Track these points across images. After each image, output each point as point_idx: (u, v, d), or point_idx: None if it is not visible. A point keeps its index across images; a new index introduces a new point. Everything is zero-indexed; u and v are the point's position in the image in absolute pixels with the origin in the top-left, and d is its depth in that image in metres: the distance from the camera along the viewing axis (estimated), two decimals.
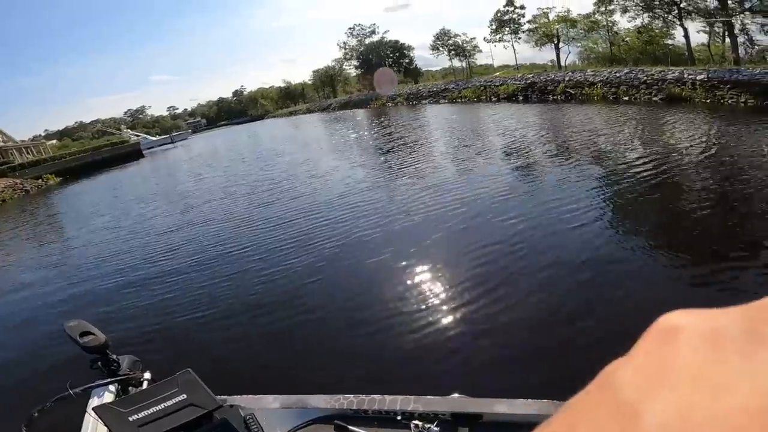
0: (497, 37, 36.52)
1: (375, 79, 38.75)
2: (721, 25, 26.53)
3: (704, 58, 26.56)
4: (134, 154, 38.10)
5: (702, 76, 19.96)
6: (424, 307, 3.99)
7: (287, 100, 62.24)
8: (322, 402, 1.59)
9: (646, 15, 28.41)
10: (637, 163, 8.17)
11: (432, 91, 30.14)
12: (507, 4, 35.09)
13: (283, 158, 16.64)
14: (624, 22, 30.61)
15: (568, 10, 32.69)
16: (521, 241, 4.95)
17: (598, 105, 20.02)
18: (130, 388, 1.43)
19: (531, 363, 3.08)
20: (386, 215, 6.73)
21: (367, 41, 44.22)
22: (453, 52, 40.32)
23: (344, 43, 45.99)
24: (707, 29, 28.26)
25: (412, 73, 43.69)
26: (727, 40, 26.69)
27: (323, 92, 53.64)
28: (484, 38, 37.66)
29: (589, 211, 5.66)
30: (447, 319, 3.77)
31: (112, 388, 1.39)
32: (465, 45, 39.71)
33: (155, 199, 13.42)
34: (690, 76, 20.37)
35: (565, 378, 2.98)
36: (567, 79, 24.45)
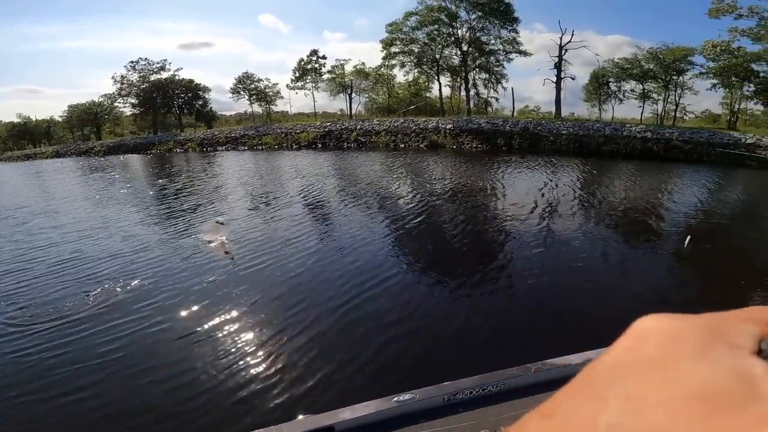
0: (299, 84, 38.76)
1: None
2: (459, 79, 35.47)
3: (448, 109, 34.71)
4: None
5: (450, 126, 25.83)
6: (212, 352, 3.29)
7: (22, 139, 45.89)
8: None
9: (416, 70, 35.31)
10: (407, 197, 10.25)
11: (230, 137, 28.54)
12: (311, 54, 37.80)
13: None
14: (400, 76, 37.26)
15: (363, 63, 37.62)
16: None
17: (383, 151, 23.22)
18: None
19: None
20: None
21: (153, 77, 38.80)
22: (254, 96, 40.34)
23: (122, 77, 38.88)
24: (451, 83, 37.29)
25: (205, 116, 40.65)
26: (463, 92, 35.88)
27: (81, 133, 43.03)
28: (287, 85, 39.35)
29: (366, 236, 6.20)
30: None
31: None
32: (267, 90, 40.41)
33: None
34: (442, 126, 26.06)
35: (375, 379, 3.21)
36: (358, 128, 27.60)
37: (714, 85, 29.34)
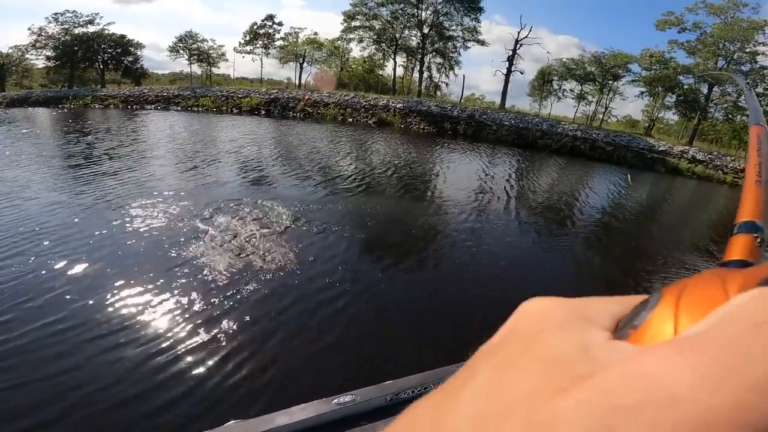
0: (248, 48, 36.19)
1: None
2: (414, 61, 35.31)
3: (399, 89, 34.60)
4: None
5: (400, 105, 25.72)
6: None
7: None
8: None
9: (374, 47, 34.45)
10: (348, 171, 10.08)
11: (161, 95, 25.87)
12: (266, 19, 35.22)
13: None
14: (356, 51, 36.18)
15: (316, 33, 35.82)
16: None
17: (330, 124, 22.56)
18: None
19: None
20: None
21: (77, 30, 33.96)
22: (195, 56, 37.16)
23: (40, 29, 33.59)
24: (405, 64, 37.02)
25: (133, 73, 36.76)
26: (416, 74, 35.87)
27: None
28: (234, 48, 36.62)
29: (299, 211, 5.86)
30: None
31: None
32: (211, 51, 37.41)
33: None
34: (393, 104, 25.88)
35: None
36: (307, 98, 26.47)
37: (642, 93, 32.20)
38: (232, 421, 1.45)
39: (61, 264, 4.29)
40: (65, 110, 21.89)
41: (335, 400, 1.58)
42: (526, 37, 31.51)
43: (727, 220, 11.50)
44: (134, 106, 24.48)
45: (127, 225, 5.50)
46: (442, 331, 3.82)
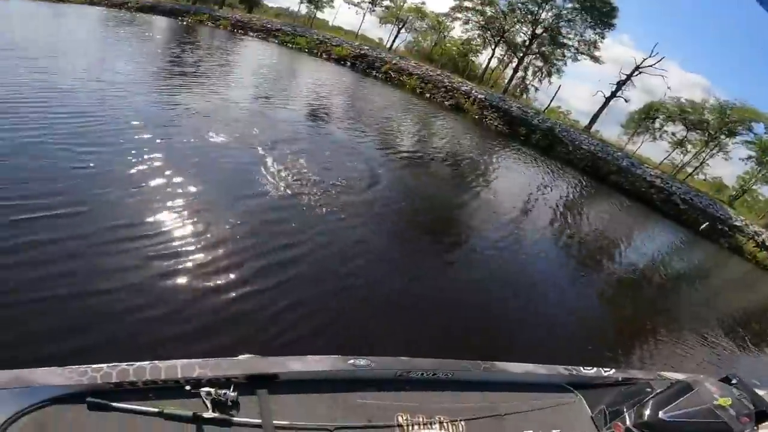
0: (357, 0, 36.61)
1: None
2: (513, 57, 33.74)
3: (486, 80, 33.38)
4: None
5: (482, 96, 25.07)
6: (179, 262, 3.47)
7: None
8: (59, 377, 1.20)
9: (478, 32, 33.36)
10: (404, 142, 10.41)
11: (265, 26, 27.23)
12: None
13: None
14: (457, 31, 35.23)
15: (424, 2, 35.31)
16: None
17: (407, 93, 22.69)
18: None
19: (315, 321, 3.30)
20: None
21: None
22: None
23: None
24: (501, 57, 35.49)
25: (247, 0, 38.93)
26: (508, 70, 34.35)
27: None
28: None
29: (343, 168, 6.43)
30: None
31: None
32: None
33: None
34: (475, 93, 25.29)
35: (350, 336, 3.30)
36: (394, 62, 26.56)
37: (749, 158, 28.58)
38: (246, 355, 1.49)
39: (142, 160, 5.23)
40: (183, 23, 23.98)
41: (351, 361, 1.63)
42: (651, 66, 28.70)
43: (760, 313, 10.61)
44: (239, 31, 26.10)
45: (204, 135, 6.40)
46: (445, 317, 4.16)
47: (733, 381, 2.25)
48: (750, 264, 18.59)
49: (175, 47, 13.56)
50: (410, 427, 1.61)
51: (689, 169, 31.77)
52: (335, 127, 9.42)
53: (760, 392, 2.23)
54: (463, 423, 1.73)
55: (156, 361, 1.31)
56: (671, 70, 63.68)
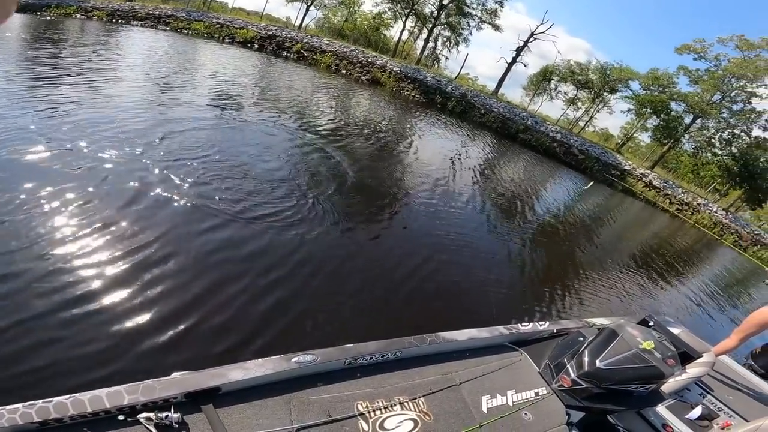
0: None
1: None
2: (422, 28, 34.46)
3: (399, 53, 33.95)
4: None
5: (397, 69, 25.46)
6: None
7: None
8: None
9: (388, 5, 33.24)
10: (326, 120, 10.07)
11: (152, 13, 24.17)
12: None
13: None
14: (368, 5, 34.81)
15: None
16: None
17: (322, 72, 22.19)
18: None
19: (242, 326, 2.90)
20: None
21: None
22: None
23: None
24: (411, 29, 36.13)
25: None
26: (419, 42, 35.17)
27: None
28: None
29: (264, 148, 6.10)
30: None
31: None
32: None
33: None
34: (390, 66, 25.59)
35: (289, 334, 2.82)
36: (305, 41, 25.64)
37: (629, 110, 33.18)
38: (178, 373, 1.34)
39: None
40: (45, 18, 20.19)
41: (295, 359, 1.55)
42: (543, 32, 31.31)
43: (657, 247, 12.73)
44: (120, 21, 22.80)
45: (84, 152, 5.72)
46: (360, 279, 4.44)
47: (650, 323, 2.40)
48: (641, 202, 21.93)
49: (36, 48, 11.60)
50: (371, 413, 1.59)
51: (581, 123, 36.09)
52: (247, 116, 8.97)
53: (675, 331, 2.37)
54: (423, 399, 1.74)
55: (75, 394, 1.14)
56: (559, 35, 70.08)
